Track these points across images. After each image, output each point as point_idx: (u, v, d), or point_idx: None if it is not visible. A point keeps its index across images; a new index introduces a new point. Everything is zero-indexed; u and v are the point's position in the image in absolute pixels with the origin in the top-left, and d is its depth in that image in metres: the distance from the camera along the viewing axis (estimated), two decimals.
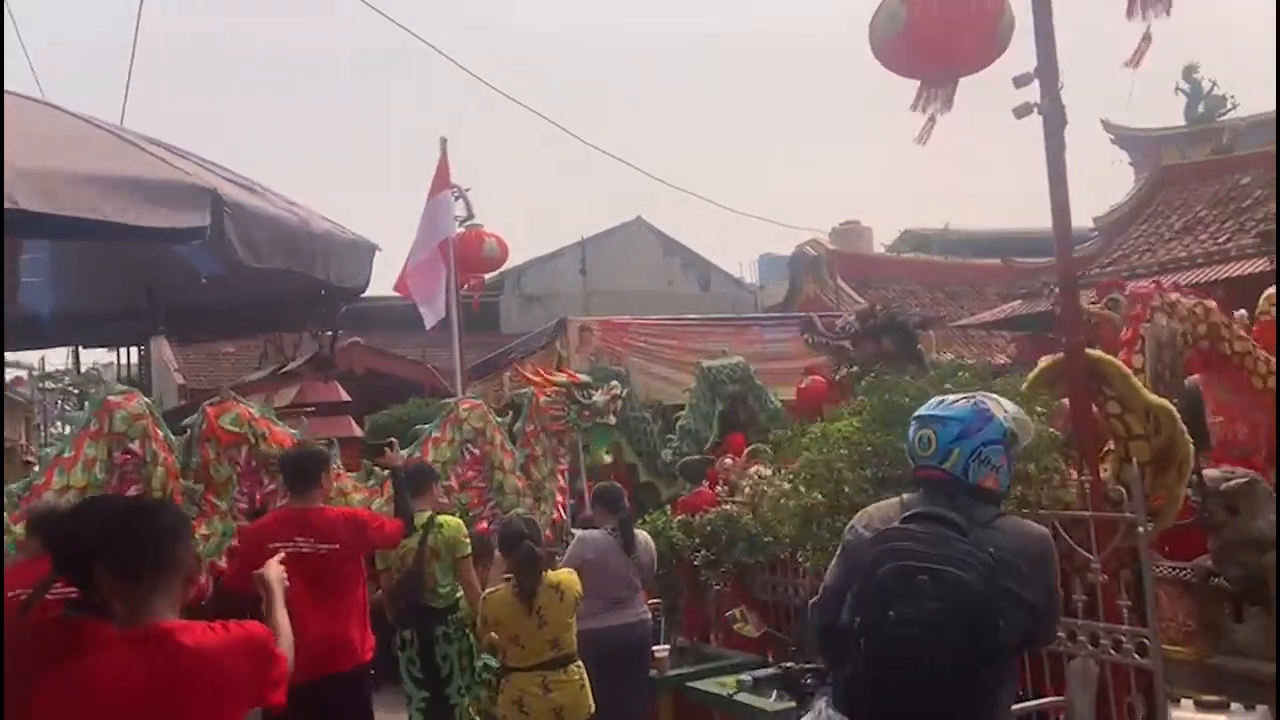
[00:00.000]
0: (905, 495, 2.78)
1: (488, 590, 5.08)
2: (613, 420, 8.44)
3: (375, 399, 14.06)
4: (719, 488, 7.40)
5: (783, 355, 13.68)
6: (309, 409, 11.83)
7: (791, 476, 4.71)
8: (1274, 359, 5.77)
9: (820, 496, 4.08)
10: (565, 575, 5.00)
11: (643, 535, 5.91)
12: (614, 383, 8.61)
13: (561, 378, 8.02)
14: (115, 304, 4.38)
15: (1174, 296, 5.72)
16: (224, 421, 5.77)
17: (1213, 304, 5.57)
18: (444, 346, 19.73)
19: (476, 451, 6.90)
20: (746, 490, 5.87)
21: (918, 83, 5.49)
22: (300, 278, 2.93)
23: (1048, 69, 5.07)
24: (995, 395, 2.83)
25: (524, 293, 28.35)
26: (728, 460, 8.76)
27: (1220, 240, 13.56)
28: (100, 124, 2.92)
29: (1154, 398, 4.73)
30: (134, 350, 27.73)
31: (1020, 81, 5.18)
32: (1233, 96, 15.52)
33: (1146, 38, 5.09)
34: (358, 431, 11.58)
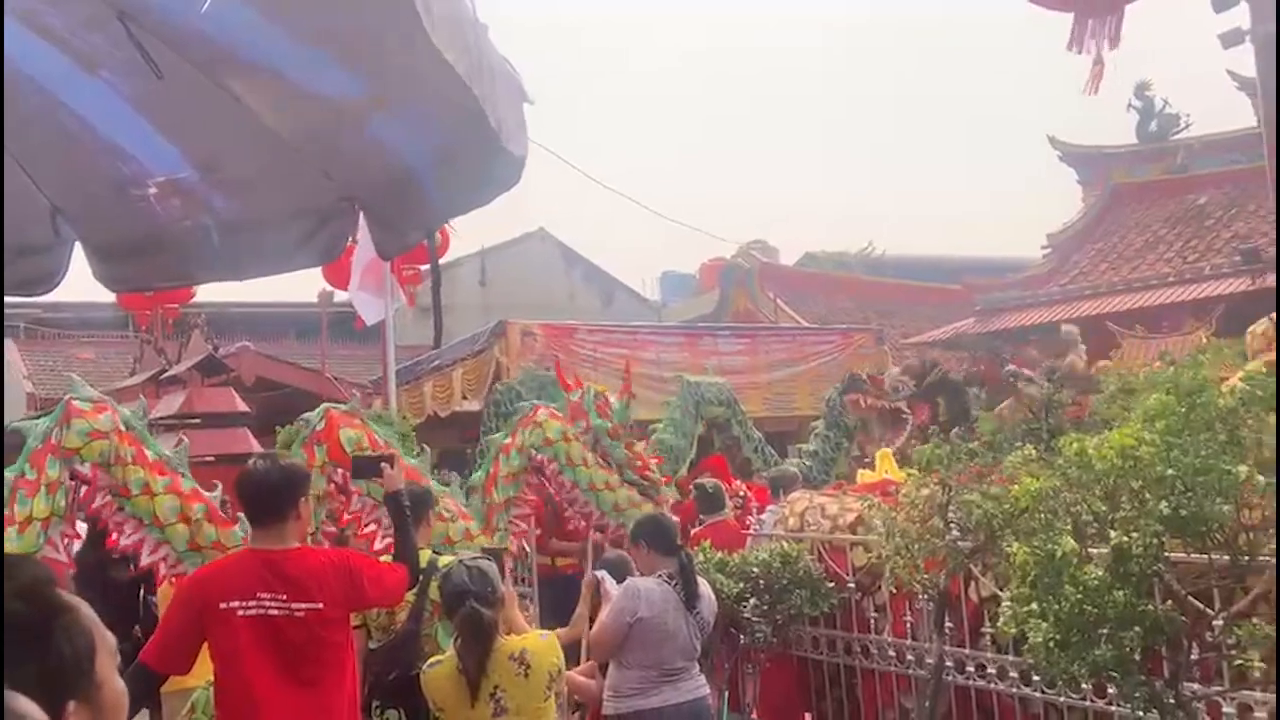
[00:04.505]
0: None
1: (431, 659, 3.63)
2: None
3: (268, 411, 12.25)
4: (751, 518, 6.08)
5: (736, 370, 12.60)
6: (195, 420, 10.06)
7: (970, 508, 3.42)
8: None
9: (1072, 543, 2.81)
10: (534, 640, 3.55)
11: (705, 585, 4.50)
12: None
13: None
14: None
15: None
16: (344, 438, 4.77)
17: None
18: (332, 356, 17.94)
19: (542, 457, 5.94)
20: (878, 524, 4.50)
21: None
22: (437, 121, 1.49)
23: None
24: None
25: (419, 303, 26.73)
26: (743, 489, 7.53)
27: (1189, 259, 13.08)
28: None
29: None
30: None
31: (1222, 5, 4.16)
32: (1187, 115, 15.24)
33: (1099, 62, 4.45)
34: (257, 447, 9.80)
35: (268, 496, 3.29)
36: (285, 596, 3.19)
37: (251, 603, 3.14)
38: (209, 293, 17.94)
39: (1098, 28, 4.11)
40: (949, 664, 4.35)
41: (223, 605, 3.12)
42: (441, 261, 22.41)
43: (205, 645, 3.18)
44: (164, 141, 2.26)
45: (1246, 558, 2.98)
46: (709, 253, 29.74)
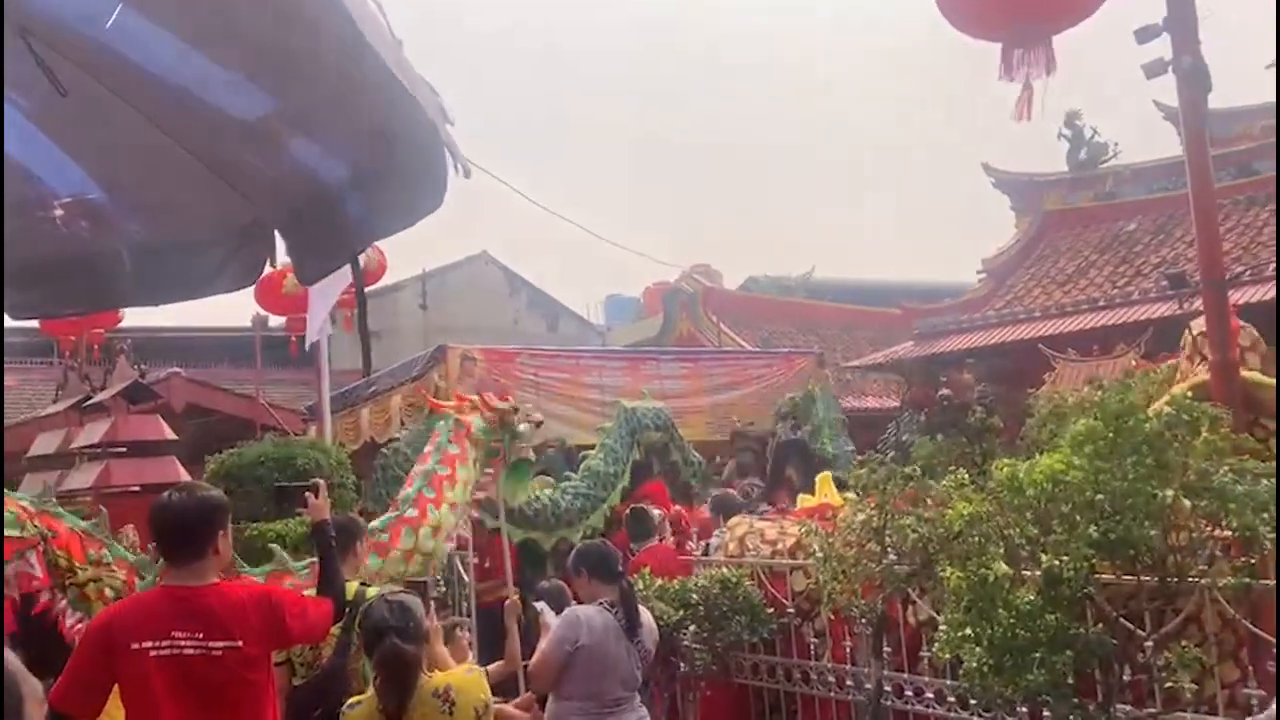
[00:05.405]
0: None
1: (351, 700, 3.50)
2: (532, 455, 7.08)
3: (198, 439, 11.93)
4: (691, 544, 6.03)
5: (678, 393, 12.57)
6: (120, 448, 9.74)
7: (906, 533, 3.40)
8: None
9: (1005, 567, 2.80)
10: (459, 676, 3.42)
11: (646, 614, 4.42)
12: (527, 406, 7.17)
13: (498, 401, 6.53)
14: None
15: None
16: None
17: None
18: (266, 381, 17.60)
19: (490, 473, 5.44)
20: (817, 549, 4.45)
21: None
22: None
23: (1182, 19, 4.14)
24: None
25: (357, 327, 26.36)
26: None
27: (1118, 284, 13.39)
28: None
29: None
30: None
31: (1145, 36, 4.24)
32: (1115, 144, 15.67)
33: (1027, 88, 4.55)
34: (185, 476, 9.50)
35: (185, 531, 3.13)
36: (202, 635, 3.04)
37: (165, 642, 2.99)
38: (137, 317, 17.50)
39: (1026, 56, 4.19)
40: (887, 688, 4.34)
41: (134, 646, 2.96)
42: (381, 284, 21.98)
43: (116, 687, 3.03)
44: (70, 161, 2.16)
45: (1175, 579, 3.00)
46: (653, 277, 29.96)
